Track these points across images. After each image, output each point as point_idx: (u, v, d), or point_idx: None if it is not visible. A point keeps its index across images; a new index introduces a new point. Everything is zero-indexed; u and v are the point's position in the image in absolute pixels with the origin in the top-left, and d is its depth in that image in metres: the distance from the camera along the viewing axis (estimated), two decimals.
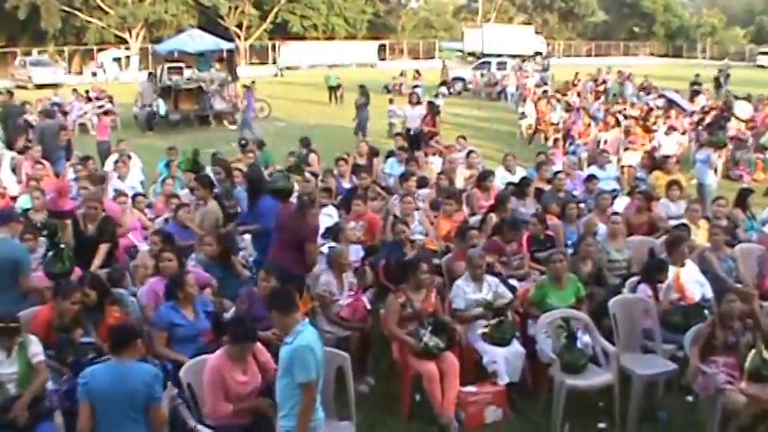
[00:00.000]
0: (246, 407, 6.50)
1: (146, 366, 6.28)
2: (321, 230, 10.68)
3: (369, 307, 8.92)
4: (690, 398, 8.25)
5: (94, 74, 52.29)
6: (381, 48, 74.61)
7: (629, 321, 8.57)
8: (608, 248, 10.05)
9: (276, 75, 57.35)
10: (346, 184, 13.95)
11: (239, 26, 68.38)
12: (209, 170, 12.60)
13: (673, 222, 11.27)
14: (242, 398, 6.49)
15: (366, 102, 26.64)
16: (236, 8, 67.05)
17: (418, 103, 21.46)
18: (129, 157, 15.63)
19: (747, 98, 27.88)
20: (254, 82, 30.65)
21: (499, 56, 50.60)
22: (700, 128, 21.61)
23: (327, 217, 11.50)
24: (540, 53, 62.54)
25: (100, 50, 59.34)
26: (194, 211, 10.56)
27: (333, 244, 9.77)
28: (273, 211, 9.48)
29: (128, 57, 59.90)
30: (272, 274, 8.14)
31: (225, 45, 34.50)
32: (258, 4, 69.41)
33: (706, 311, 8.51)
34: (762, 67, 70.82)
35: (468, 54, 61.37)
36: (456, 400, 7.78)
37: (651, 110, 24.71)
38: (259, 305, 7.72)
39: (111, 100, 30.17)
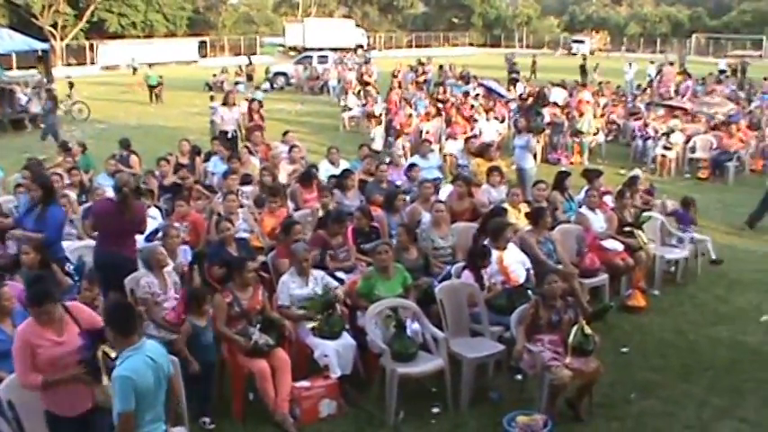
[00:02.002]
0: (62, 378, 5.92)
1: None
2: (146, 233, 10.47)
3: None
4: (519, 376, 8.46)
5: None
6: (202, 45, 73.29)
7: (456, 307, 8.71)
8: (432, 236, 10.17)
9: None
10: None
11: (54, 26, 65.67)
12: (17, 176, 12.07)
13: None
14: (59, 361, 5.91)
15: (54, 106, 25.60)
16: (50, 6, 64.26)
17: (234, 104, 21.07)
18: None
19: (562, 84, 28.96)
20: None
21: (321, 50, 50.96)
22: (518, 114, 22.19)
23: (151, 219, 11.23)
24: (362, 46, 63.24)
25: None
26: None
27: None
28: (60, 222, 9.37)
29: None
30: (96, 283, 7.90)
31: (38, 45, 33.13)
32: (73, 3, 66.94)
33: (530, 292, 8.74)
34: (574, 54, 73.76)
35: (290, 48, 61.59)
36: (290, 397, 7.78)
37: (467, 95, 25.30)
38: None
39: None
